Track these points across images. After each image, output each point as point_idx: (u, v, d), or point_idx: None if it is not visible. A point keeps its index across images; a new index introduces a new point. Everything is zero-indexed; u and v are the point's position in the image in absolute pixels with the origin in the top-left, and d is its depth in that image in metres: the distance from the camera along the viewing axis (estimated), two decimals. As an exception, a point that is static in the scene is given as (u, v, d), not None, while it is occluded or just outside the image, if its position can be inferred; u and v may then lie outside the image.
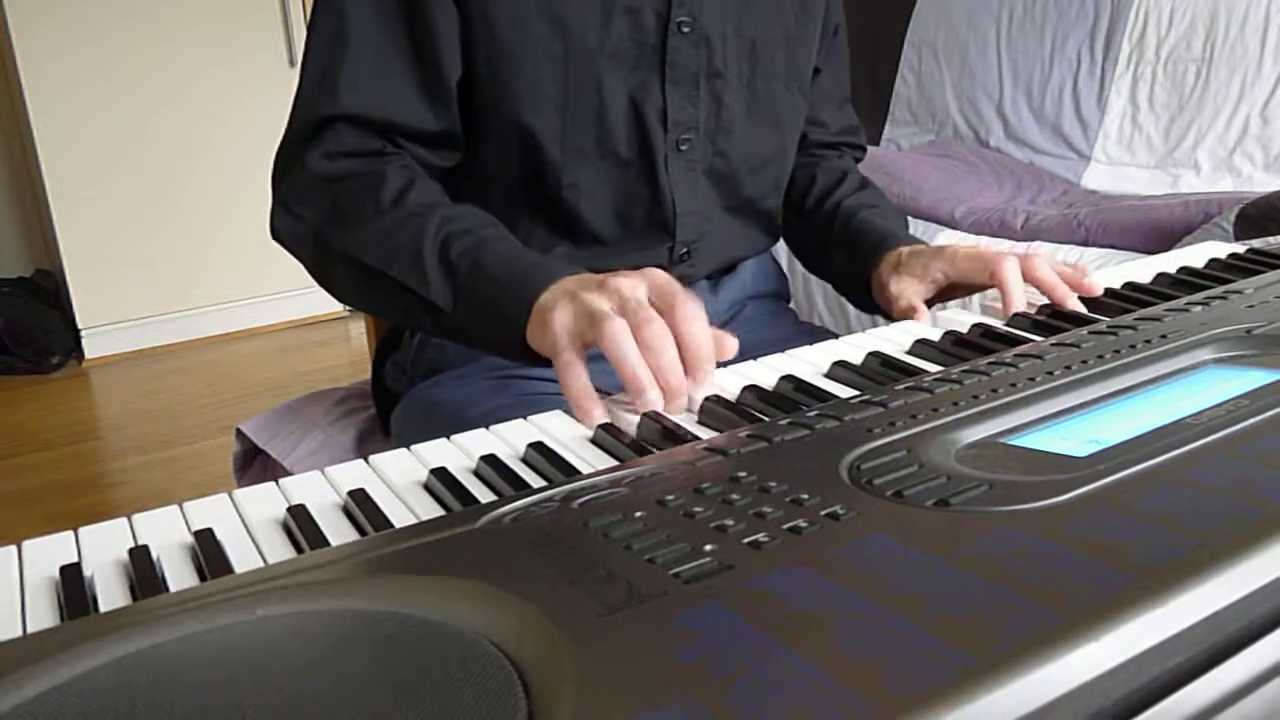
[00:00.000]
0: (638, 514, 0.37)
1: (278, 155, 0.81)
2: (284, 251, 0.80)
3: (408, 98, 0.78)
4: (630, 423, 0.57)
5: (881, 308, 0.90)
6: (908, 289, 0.84)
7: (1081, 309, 0.73)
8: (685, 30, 0.81)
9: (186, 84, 3.03)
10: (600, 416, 0.58)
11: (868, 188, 1.00)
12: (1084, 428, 0.45)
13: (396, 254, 0.72)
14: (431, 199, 0.75)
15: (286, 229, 0.79)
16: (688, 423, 0.57)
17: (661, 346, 0.58)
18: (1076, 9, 2.48)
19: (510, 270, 0.69)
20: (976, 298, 0.87)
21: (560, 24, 0.78)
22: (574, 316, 0.62)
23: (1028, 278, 0.76)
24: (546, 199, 0.82)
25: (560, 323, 0.62)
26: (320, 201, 0.76)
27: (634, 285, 0.61)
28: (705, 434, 0.54)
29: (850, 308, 2.18)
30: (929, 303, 0.84)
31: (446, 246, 0.71)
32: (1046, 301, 0.75)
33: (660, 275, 0.63)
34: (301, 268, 0.80)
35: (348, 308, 3.35)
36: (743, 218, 0.93)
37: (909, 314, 0.81)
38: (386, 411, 0.93)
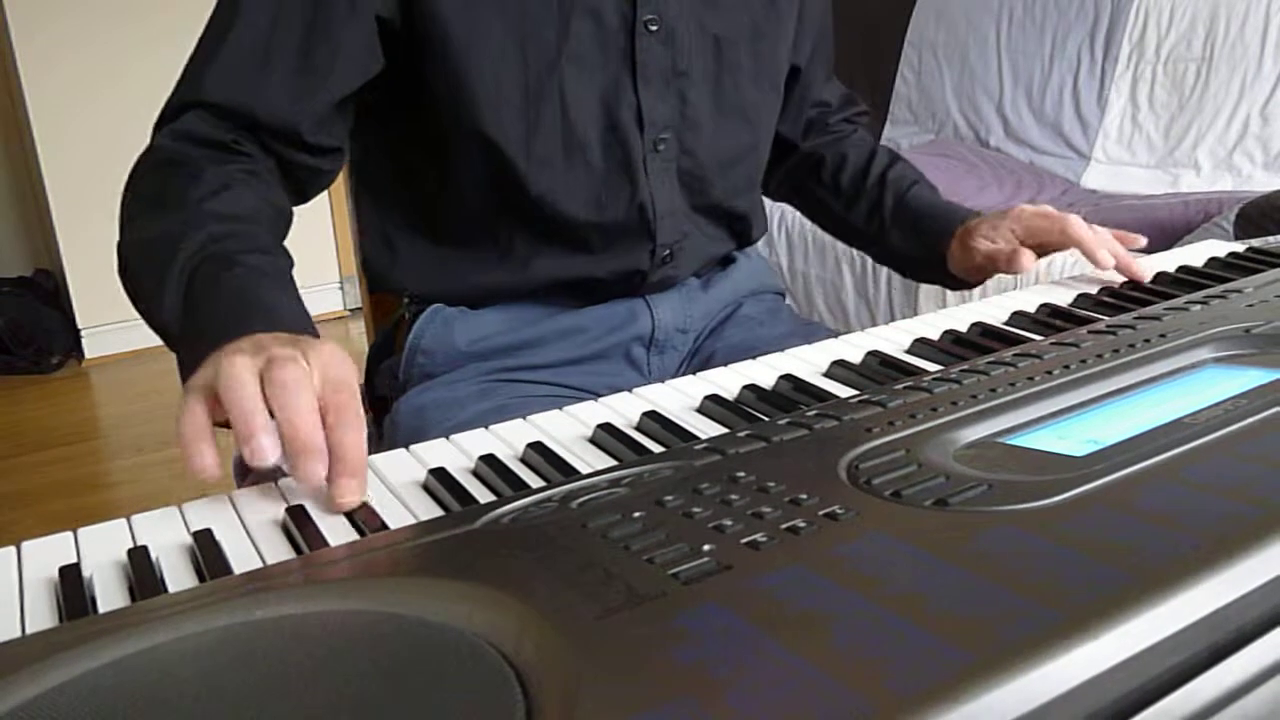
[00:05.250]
0: (636, 514, 0.37)
1: None
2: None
3: (278, 96, 0.75)
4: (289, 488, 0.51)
5: (957, 279, 0.95)
6: (992, 250, 0.88)
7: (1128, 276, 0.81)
8: (653, 29, 0.81)
9: (186, 85, 3.03)
10: (211, 468, 0.50)
11: (901, 160, 1.02)
12: (1083, 427, 0.45)
13: (151, 261, 0.67)
14: (230, 209, 0.69)
15: (120, 202, 0.74)
16: (686, 422, 0.57)
17: (295, 389, 0.49)
18: (1076, 9, 2.48)
19: (231, 303, 0.61)
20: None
21: (516, 28, 0.77)
22: (211, 367, 0.53)
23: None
24: (520, 207, 0.81)
25: (203, 372, 0.54)
26: (141, 182, 0.74)
27: (297, 371, 0.51)
28: (702, 432, 0.54)
29: (850, 307, 2.18)
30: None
31: (194, 275, 0.65)
32: (1039, 301, 0.75)
33: (338, 368, 0.53)
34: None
35: (350, 309, 3.35)
36: (710, 219, 0.92)
37: (1015, 267, 0.86)
38: (380, 418, 0.93)
